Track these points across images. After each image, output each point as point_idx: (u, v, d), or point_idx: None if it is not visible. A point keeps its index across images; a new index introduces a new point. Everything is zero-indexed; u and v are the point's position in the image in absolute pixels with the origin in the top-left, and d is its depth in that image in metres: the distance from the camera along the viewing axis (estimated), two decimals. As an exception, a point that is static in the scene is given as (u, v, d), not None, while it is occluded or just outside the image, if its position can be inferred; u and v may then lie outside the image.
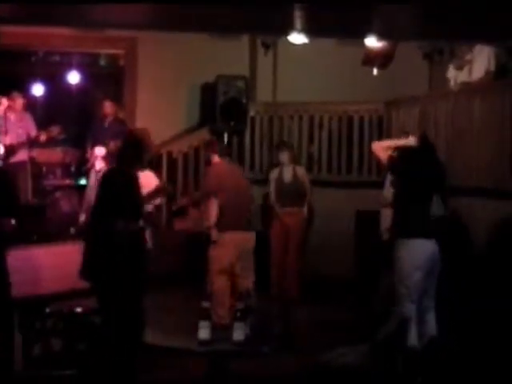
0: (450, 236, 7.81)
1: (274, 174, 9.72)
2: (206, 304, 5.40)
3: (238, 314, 5.31)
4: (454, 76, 9.66)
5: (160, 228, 7.82)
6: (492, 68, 9.15)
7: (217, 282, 7.67)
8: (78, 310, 6.60)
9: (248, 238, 7.84)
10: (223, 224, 7.61)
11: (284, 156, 9.61)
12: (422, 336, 6.36)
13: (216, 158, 7.93)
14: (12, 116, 10.32)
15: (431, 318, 6.54)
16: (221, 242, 7.59)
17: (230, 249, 7.67)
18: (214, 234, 7.56)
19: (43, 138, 10.37)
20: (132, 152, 6.02)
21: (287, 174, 9.62)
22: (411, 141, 6.85)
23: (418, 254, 6.39)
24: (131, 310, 5.82)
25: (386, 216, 7.63)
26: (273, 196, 9.63)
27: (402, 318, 6.22)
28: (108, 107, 10.92)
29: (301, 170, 9.74)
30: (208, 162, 8.05)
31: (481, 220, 8.26)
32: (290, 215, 9.46)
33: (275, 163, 10.01)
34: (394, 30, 7.64)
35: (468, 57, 9.37)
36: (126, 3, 6.36)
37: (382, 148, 6.90)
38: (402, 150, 6.76)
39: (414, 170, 6.57)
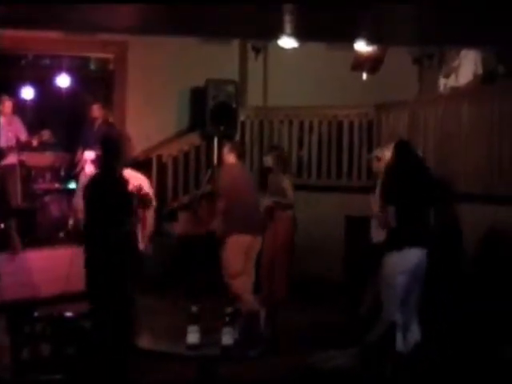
0: (443, 242, 7.85)
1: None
2: (194, 308, 5.40)
3: (227, 319, 5.31)
4: (444, 82, 9.70)
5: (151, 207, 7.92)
6: (480, 71, 9.19)
7: (234, 283, 7.71)
8: (68, 314, 6.58)
9: (256, 242, 7.91)
10: (233, 225, 7.65)
11: (269, 161, 9.61)
12: (407, 341, 6.40)
13: (232, 159, 8.02)
14: (1, 119, 10.32)
15: (415, 324, 6.58)
16: (230, 244, 7.62)
17: (240, 252, 7.73)
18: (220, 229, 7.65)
19: (35, 142, 10.38)
20: (110, 154, 6.19)
21: (272, 180, 9.59)
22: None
23: (403, 260, 6.48)
24: (124, 312, 5.85)
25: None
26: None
27: (389, 322, 6.24)
28: (96, 110, 10.92)
29: (286, 177, 9.70)
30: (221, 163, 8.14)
31: (469, 225, 8.28)
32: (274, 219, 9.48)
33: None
34: (383, 34, 7.67)
35: (455, 63, 9.41)
36: (115, 6, 6.37)
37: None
38: (387, 168, 6.85)
39: (399, 186, 6.63)
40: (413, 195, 6.60)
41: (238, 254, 7.79)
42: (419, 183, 6.67)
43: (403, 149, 6.91)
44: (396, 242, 6.55)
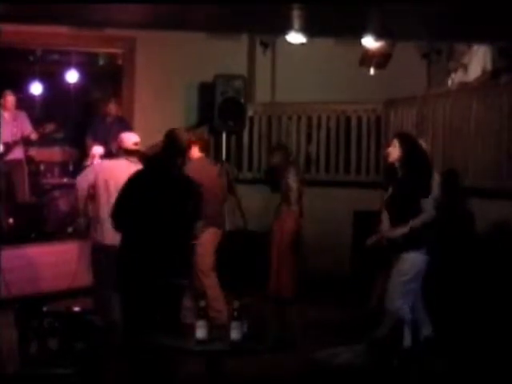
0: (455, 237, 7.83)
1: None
2: (202, 303, 5.40)
3: (236, 314, 5.31)
4: (452, 77, 9.68)
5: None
6: (489, 68, 9.16)
7: (206, 280, 7.69)
8: (75, 309, 6.60)
9: (218, 235, 7.98)
10: (206, 221, 7.63)
11: (275, 160, 9.60)
12: (415, 336, 6.40)
13: (195, 153, 7.98)
14: (6, 114, 10.29)
15: (423, 318, 6.59)
16: (204, 240, 7.50)
17: (213, 247, 7.74)
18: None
19: (35, 136, 10.34)
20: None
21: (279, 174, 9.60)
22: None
23: (422, 258, 6.46)
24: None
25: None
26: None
27: (397, 318, 6.24)
28: (112, 108, 10.93)
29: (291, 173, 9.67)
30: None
31: (478, 220, 8.26)
32: (281, 214, 9.48)
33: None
34: (392, 29, 7.65)
35: (465, 59, 9.39)
36: (125, 2, 6.38)
37: None
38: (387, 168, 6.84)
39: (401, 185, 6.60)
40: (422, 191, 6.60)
41: (212, 249, 7.80)
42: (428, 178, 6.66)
43: (412, 141, 6.85)
44: (418, 239, 6.50)
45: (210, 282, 7.81)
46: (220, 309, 7.62)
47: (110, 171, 7.15)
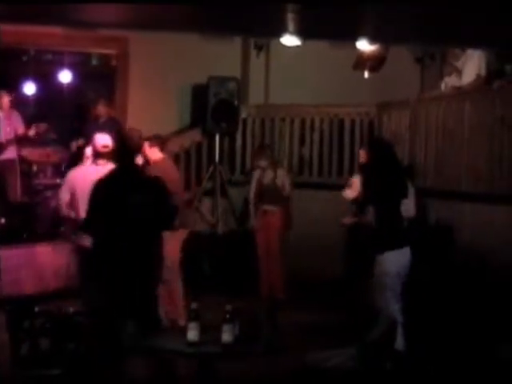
0: (431, 239, 7.91)
1: (256, 175, 9.77)
2: (194, 305, 5.40)
3: (227, 316, 5.30)
4: (446, 81, 9.70)
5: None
6: (483, 73, 9.18)
7: (170, 274, 7.71)
8: (67, 309, 6.58)
9: (185, 234, 8.10)
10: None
11: (262, 162, 9.64)
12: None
13: (156, 154, 7.97)
14: (0, 114, 10.29)
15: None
16: (173, 238, 7.53)
17: (180, 245, 7.81)
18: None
19: (32, 132, 10.34)
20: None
21: (267, 176, 9.62)
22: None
23: (397, 259, 6.56)
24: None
25: None
26: (251, 194, 9.69)
27: (391, 320, 6.25)
28: (101, 109, 10.92)
29: (281, 172, 9.73)
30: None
31: (469, 224, 8.28)
32: (266, 214, 9.51)
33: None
34: (386, 33, 7.66)
35: (459, 63, 9.41)
36: (118, 2, 6.36)
37: None
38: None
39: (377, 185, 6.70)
40: (392, 193, 6.69)
41: (178, 247, 7.84)
42: (395, 180, 6.75)
43: (376, 147, 7.05)
44: (388, 242, 6.64)
45: (173, 277, 7.85)
46: (177, 303, 7.79)
47: (78, 180, 7.23)
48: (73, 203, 7.27)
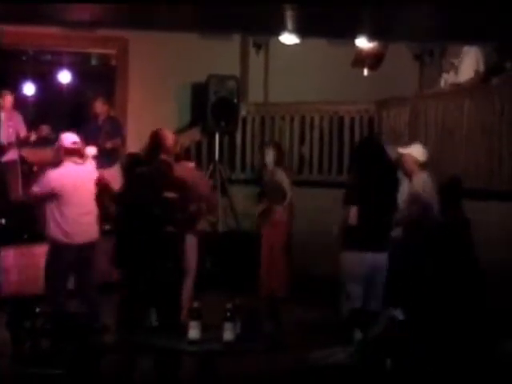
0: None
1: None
2: (195, 304, 5.41)
3: (229, 314, 5.31)
4: (445, 77, 9.70)
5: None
6: (481, 69, 9.19)
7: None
8: (67, 309, 6.60)
9: None
10: None
11: (269, 157, 9.60)
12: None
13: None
14: (1, 114, 10.30)
15: None
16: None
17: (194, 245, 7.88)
18: None
19: (33, 137, 10.36)
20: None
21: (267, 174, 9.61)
22: None
23: (361, 261, 6.70)
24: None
25: None
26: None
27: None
28: (99, 107, 10.90)
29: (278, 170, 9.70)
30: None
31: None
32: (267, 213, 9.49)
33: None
34: (384, 30, 7.67)
35: (456, 61, 9.41)
36: (117, 2, 6.38)
37: None
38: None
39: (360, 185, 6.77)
40: (374, 194, 6.68)
41: (196, 248, 7.94)
42: (380, 182, 6.73)
43: (363, 147, 7.06)
44: (356, 241, 6.72)
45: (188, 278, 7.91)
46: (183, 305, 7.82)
47: (62, 180, 7.28)
48: (63, 199, 7.28)
